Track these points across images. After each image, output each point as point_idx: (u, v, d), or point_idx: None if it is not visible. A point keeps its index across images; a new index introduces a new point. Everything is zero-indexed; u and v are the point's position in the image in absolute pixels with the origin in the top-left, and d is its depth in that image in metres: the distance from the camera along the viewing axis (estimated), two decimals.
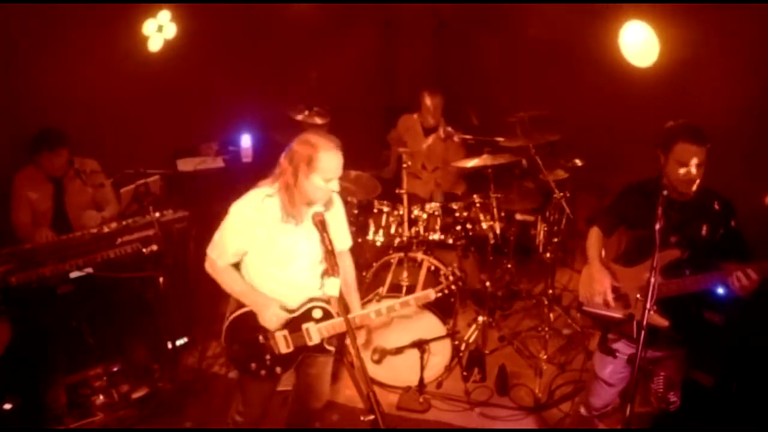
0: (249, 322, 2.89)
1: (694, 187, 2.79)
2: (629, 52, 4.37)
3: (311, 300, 2.90)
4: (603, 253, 3.12)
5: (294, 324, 2.89)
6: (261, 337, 2.90)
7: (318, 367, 3.11)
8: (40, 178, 3.95)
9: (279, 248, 2.80)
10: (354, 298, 3.10)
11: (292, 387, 3.29)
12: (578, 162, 4.85)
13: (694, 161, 2.70)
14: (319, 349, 2.94)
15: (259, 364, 2.93)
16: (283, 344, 2.91)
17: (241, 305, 2.92)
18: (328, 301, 2.91)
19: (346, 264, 3.09)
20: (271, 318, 2.83)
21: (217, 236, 2.84)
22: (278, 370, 2.95)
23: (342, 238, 3.01)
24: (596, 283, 3.00)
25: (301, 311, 2.89)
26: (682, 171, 2.73)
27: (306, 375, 3.15)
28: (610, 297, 2.95)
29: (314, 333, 2.90)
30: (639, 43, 4.25)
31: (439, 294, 3.00)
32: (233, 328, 2.93)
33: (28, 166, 3.94)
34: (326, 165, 2.67)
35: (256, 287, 2.87)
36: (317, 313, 2.89)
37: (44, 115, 4.09)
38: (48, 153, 3.85)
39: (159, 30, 4.78)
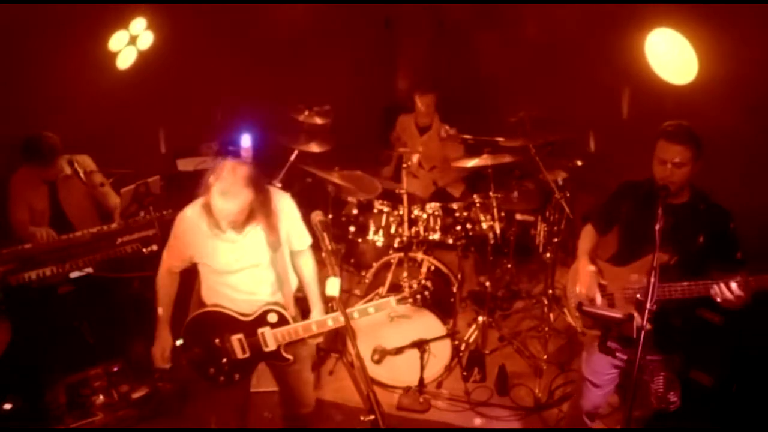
0: (206, 324, 2.86)
1: (685, 194, 2.78)
2: (660, 67, 4.11)
3: (267, 304, 2.86)
4: (593, 250, 3.08)
5: (249, 328, 2.85)
6: (218, 340, 2.86)
7: (292, 377, 3.06)
8: (35, 179, 3.94)
9: (219, 253, 2.78)
10: (314, 297, 3.04)
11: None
12: (578, 162, 4.85)
13: (672, 160, 2.69)
14: (278, 357, 2.90)
15: (217, 369, 2.89)
16: (238, 348, 2.87)
17: (200, 306, 2.92)
18: (284, 307, 2.88)
19: (302, 262, 3.02)
20: (154, 349, 2.96)
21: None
22: (236, 376, 2.91)
23: (297, 238, 2.92)
24: (582, 280, 2.98)
25: (255, 315, 2.85)
26: (660, 168, 2.74)
27: (283, 384, 3.12)
28: (595, 294, 2.92)
29: (270, 338, 2.86)
30: (670, 56, 3.98)
31: (402, 303, 2.96)
32: (191, 329, 2.90)
33: (25, 167, 3.92)
34: (213, 202, 2.61)
35: (166, 314, 2.99)
36: (272, 317, 2.85)
37: (43, 116, 4.08)
38: (43, 164, 3.80)
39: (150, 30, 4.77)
